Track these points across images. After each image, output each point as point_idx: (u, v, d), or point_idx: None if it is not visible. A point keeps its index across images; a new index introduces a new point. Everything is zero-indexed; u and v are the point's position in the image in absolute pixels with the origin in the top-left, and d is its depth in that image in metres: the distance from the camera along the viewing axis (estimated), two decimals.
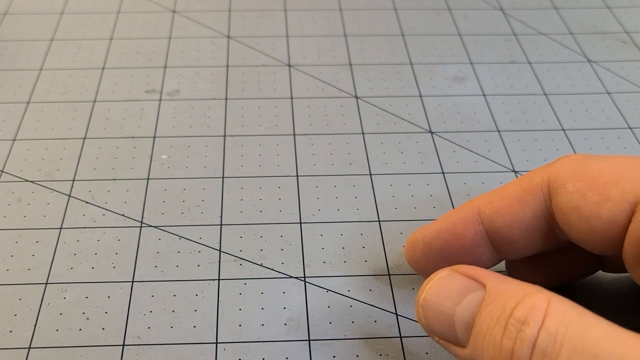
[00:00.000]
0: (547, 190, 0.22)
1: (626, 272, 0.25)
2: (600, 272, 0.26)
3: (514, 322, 0.18)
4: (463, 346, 0.20)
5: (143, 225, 0.29)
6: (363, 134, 0.34)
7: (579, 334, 0.17)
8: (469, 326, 0.19)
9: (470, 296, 0.20)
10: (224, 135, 0.33)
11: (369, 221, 0.29)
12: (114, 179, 0.31)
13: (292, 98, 0.36)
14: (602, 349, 0.16)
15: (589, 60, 0.39)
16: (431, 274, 0.21)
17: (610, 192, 0.21)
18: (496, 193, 0.23)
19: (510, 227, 0.22)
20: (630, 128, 0.34)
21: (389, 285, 0.27)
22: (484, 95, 0.36)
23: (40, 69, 0.37)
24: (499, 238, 0.23)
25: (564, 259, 0.25)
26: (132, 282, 0.27)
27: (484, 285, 0.20)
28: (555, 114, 0.35)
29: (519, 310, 0.18)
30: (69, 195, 0.30)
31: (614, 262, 0.25)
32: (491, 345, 0.18)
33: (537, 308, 0.18)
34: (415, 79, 0.37)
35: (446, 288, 0.20)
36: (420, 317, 0.21)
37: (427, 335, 0.25)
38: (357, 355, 0.24)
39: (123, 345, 0.24)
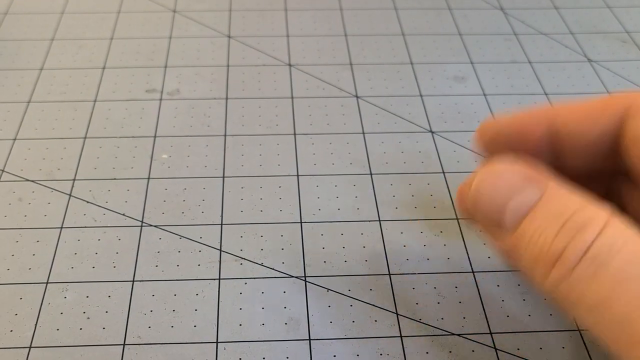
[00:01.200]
0: (622, 113, 0.21)
1: None
2: None
3: (573, 225, 0.17)
4: (506, 234, 0.19)
5: (144, 224, 0.29)
6: (363, 133, 0.34)
7: (635, 250, 0.17)
8: (521, 215, 0.19)
9: (532, 186, 0.19)
10: (225, 135, 0.33)
11: (370, 221, 0.29)
12: (115, 179, 0.31)
13: (292, 98, 0.36)
14: None
15: (590, 60, 0.39)
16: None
17: None
18: (576, 103, 0.22)
19: (580, 135, 0.21)
20: None
21: (389, 285, 0.27)
22: (484, 94, 0.36)
23: (41, 69, 0.37)
24: (562, 145, 0.22)
25: None
26: (133, 281, 0.27)
27: (546, 184, 0.19)
28: None
29: (579, 216, 0.17)
30: (70, 195, 0.30)
31: None
32: (540, 242, 0.18)
33: (599, 218, 0.17)
34: (416, 78, 0.37)
35: (509, 172, 0.20)
36: (472, 191, 0.20)
37: (427, 334, 0.25)
38: (357, 355, 0.24)
39: (124, 344, 0.24)
